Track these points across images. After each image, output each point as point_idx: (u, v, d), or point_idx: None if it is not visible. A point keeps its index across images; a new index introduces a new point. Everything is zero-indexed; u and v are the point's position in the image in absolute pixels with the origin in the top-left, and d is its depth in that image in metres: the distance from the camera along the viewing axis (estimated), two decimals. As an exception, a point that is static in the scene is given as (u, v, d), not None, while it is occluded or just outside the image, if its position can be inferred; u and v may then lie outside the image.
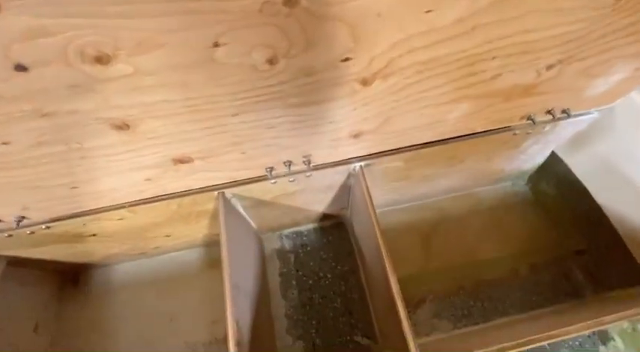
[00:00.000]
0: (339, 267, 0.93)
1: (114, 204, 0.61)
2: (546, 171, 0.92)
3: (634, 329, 0.79)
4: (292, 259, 0.95)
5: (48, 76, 0.35)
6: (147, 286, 0.91)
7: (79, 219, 0.63)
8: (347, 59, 0.43)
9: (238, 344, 0.56)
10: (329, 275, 0.92)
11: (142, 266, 0.93)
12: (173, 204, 0.66)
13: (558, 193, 0.91)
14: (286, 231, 0.98)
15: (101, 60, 0.35)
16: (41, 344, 0.83)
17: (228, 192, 0.66)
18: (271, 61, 0.40)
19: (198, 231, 0.83)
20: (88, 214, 0.62)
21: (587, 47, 0.51)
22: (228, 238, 0.62)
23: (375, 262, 0.67)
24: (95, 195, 0.57)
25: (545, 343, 0.56)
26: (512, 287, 0.89)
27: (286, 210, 0.83)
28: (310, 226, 0.99)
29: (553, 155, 0.87)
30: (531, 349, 0.56)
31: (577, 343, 0.82)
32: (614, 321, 0.57)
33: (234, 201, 0.71)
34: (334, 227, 0.99)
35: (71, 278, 0.92)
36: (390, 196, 0.91)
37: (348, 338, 0.85)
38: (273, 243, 0.96)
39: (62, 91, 0.37)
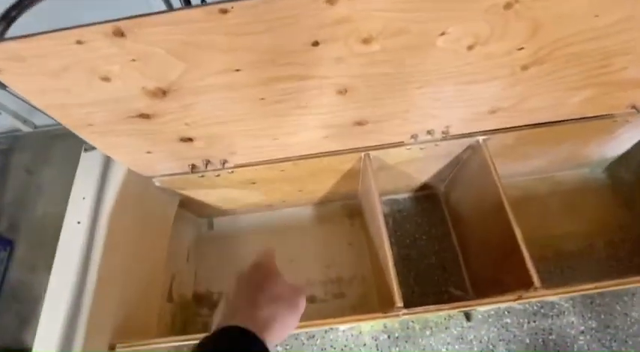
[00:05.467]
0: (432, 231, 1.08)
1: (292, 155, 0.78)
2: (628, 159, 1.03)
3: None
4: (390, 221, 1.10)
5: (330, 51, 0.51)
6: (269, 233, 1.09)
7: (258, 167, 0.80)
8: (521, 48, 0.57)
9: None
10: (424, 237, 1.07)
11: (266, 217, 1.11)
12: (325, 160, 0.82)
13: (637, 180, 1.02)
14: (385, 198, 1.13)
15: (366, 41, 0.51)
16: (191, 270, 1.03)
17: (372, 154, 0.82)
18: (470, 47, 0.55)
19: (324, 188, 0.99)
20: (267, 163, 0.79)
21: None
22: (376, 191, 0.78)
23: (490, 222, 0.81)
24: (284, 146, 0.74)
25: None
26: (588, 259, 1.01)
27: (398, 177, 0.98)
28: (405, 195, 1.14)
29: (638, 144, 0.97)
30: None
31: (648, 309, 0.93)
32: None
33: (373, 164, 0.86)
34: (427, 197, 1.13)
35: (207, 223, 1.11)
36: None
37: (443, 289, 1.00)
38: (374, 207, 1.12)
39: (327, 61, 0.53)
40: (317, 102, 0.62)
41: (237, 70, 0.52)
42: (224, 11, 0.43)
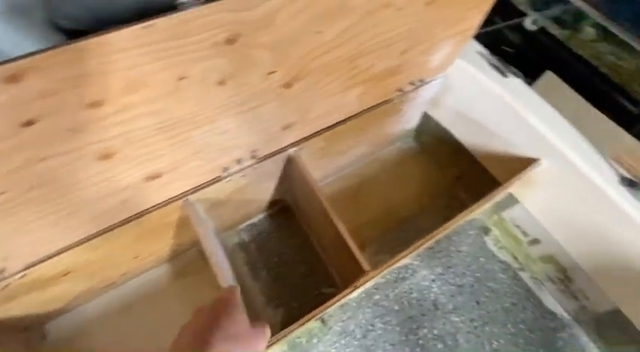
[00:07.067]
0: (293, 241, 1.10)
1: (92, 232, 0.67)
2: (423, 127, 1.23)
3: (500, 218, 1.14)
4: (253, 247, 1.08)
5: (52, 125, 0.44)
6: (122, 315, 0.95)
7: (55, 259, 0.67)
8: (273, 72, 0.60)
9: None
10: (288, 250, 1.09)
11: (112, 298, 0.96)
12: (143, 221, 0.74)
13: (435, 140, 1.23)
14: (242, 226, 1.11)
15: (94, 105, 0.46)
16: (27, 404, 0.81)
17: (191, 198, 0.78)
18: (221, 82, 0.55)
19: (164, 244, 0.91)
20: (65, 250, 0.67)
21: (422, 36, 0.78)
22: (207, 236, 0.74)
23: (323, 223, 0.86)
24: (75, 227, 0.64)
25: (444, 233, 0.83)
26: (423, 214, 1.19)
27: (239, 205, 0.97)
28: (261, 216, 1.13)
29: (425, 114, 1.18)
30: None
31: (470, 240, 1.15)
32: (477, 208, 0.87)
33: (197, 207, 0.82)
34: (280, 211, 1.15)
35: (38, 333, 0.90)
36: (317, 174, 1.11)
37: (317, 292, 1.03)
38: (233, 239, 1.08)
39: (63, 134, 0.46)
40: (84, 175, 0.55)
41: None
42: None
